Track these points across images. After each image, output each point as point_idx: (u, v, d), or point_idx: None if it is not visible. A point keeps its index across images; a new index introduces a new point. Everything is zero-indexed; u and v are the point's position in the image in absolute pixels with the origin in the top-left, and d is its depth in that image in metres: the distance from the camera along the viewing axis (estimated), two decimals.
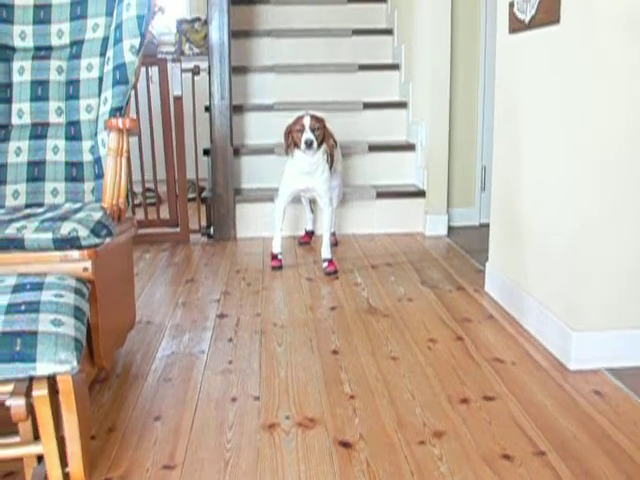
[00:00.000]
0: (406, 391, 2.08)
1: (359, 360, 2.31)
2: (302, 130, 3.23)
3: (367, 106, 4.48)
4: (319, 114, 3.32)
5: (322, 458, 1.72)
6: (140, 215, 4.13)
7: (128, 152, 2.21)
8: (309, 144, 3.20)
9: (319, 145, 3.26)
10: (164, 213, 4.19)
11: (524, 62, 2.57)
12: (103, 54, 2.41)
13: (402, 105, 4.54)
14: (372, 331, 2.57)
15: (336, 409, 1.97)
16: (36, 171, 2.40)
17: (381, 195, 4.10)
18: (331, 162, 3.40)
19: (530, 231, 2.54)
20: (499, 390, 2.08)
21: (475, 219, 4.29)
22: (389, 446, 1.77)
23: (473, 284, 3.11)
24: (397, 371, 2.22)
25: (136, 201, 4.74)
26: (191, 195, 4.69)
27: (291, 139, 3.30)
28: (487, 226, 3.06)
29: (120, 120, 2.07)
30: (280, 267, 3.43)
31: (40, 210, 2.09)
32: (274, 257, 3.45)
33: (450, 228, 4.15)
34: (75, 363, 1.43)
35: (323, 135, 3.29)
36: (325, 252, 3.37)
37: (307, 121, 3.24)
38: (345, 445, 1.78)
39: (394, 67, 4.74)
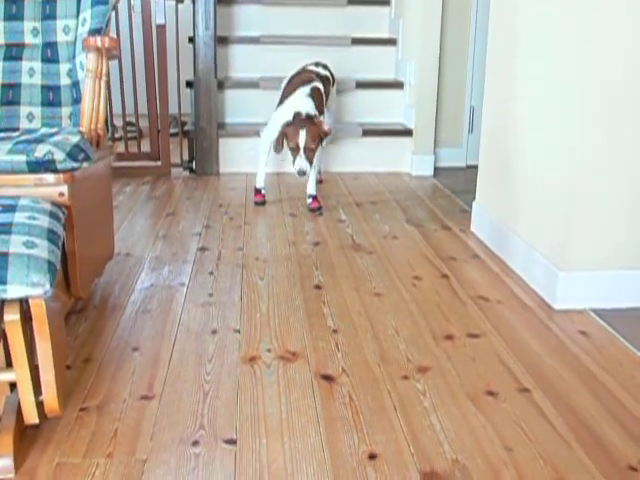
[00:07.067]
0: (390, 327, 2.05)
1: (342, 295, 2.27)
2: (296, 150, 3.03)
3: (355, 42, 4.35)
4: (316, 118, 3.07)
5: (303, 391, 1.69)
6: (121, 149, 4.03)
7: (108, 75, 2.11)
8: (302, 174, 3.04)
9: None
10: (145, 147, 4.08)
11: None
12: None
13: (391, 42, 4.42)
14: (356, 267, 2.52)
15: (318, 343, 1.94)
16: (10, 94, 2.29)
17: (367, 133, 4.02)
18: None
19: (520, 170, 2.49)
20: (484, 328, 2.05)
21: (462, 160, 4.23)
22: (372, 380, 1.74)
23: (459, 224, 3.06)
24: (381, 307, 2.19)
25: (116, 135, 4.62)
26: (173, 130, 4.58)
27: (284, 142, 3.10)
28: (474, 167, 3.01)
29: (99, 39, 1.96)
30: (263, 202, 3.36)
31: (15, 134, 2.00)
32: (257, 192, 3.38)
33: (436, 169, 4.08)
34: (48, 286, 1.37)
35: (319, 141, 3.07)
36: (310, 188, 3.30)
37: (302, 141, 3.01)
38: (327, 378, 1.75)
39: (384, 2, 4.59)
